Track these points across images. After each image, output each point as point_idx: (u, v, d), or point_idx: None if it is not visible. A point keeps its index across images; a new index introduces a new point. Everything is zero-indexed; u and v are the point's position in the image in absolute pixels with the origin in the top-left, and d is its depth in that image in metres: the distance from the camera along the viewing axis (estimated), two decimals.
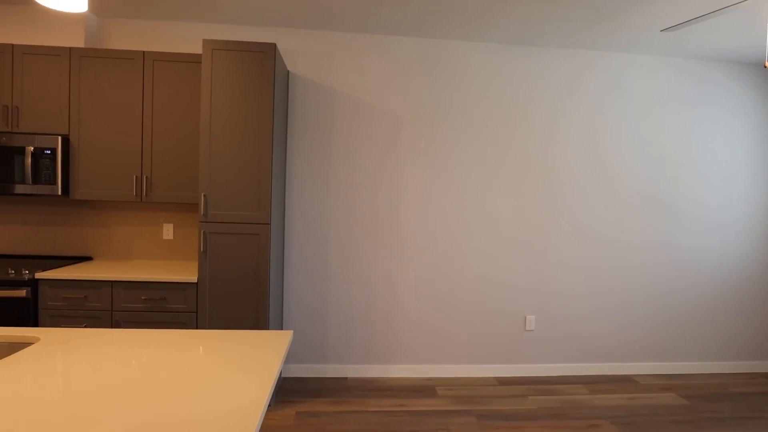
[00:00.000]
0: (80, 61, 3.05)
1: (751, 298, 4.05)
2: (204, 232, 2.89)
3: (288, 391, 3.38)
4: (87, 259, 3.40)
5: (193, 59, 3.12)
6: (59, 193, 3.00)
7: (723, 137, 3.95)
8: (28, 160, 2.96)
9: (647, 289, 3.94)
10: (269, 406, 3.12)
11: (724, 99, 3.94)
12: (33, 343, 1.63)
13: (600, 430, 2.97)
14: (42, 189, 3.00)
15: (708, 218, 3.97)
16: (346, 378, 3.65)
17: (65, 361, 1.44)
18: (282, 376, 3.60)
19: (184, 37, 3.46)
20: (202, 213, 2.89)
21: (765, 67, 1.99)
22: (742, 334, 4.06)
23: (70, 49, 3.04)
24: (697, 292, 3.99)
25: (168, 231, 3.47)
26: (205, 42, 2.85)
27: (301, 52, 3.55)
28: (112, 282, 2.85)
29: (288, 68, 3.53)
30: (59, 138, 3.00)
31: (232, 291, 2.92)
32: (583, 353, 3.89)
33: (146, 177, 3.12)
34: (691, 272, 3.97)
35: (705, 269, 3.99)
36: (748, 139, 3.98)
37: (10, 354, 1.61)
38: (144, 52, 3.09)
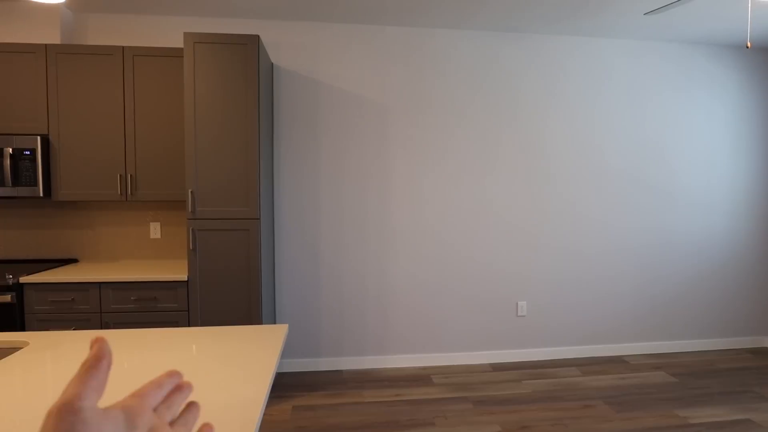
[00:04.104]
0: (57, 58, 2.97)
1: (734, 276, 4.14)
2: (192, 230, 2.85)
3: (283, 386, 3.37)
4: (72, 261, 3.34)
5: (175, 53, 3.05)
6: (41, 194, 2.93)
7: (705, 119, 4.00)
8: (7, 162, 2.88)
9: (635, 272, 3.99)
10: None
11: (705, 81, 3.98)
12: (22, 348, 1.59)
13: (594, 410, 3.02)
14: (23, 191, 2.92)
15: (692, 200, 4.03)
16: (341, 371, 3.65)
17: (55, 364, 1.41)
18: (276, 371, 3.59)
19: (165, 31, 3.39)
20: (189, 210, 2.84)
21: (747, 47, 2.00)
22: (727, 312, 4.15)
23: (45, 45, 2.95)
24: (684, 273, 4.06)
25: (155, 230, 3.42)
26: (187, 35, 2.79)
27: (284, 44, 3.50)
28: (99, 283, 2.80)
29: (272, 60, 3.48)
30: (38, 138, 2.92)
31: (224, 288, 2.89)
32: (574, 336, 3.94)
33: (130, 175, 3.06)
34: (677, 253, 4.04)
35: (690, 250, 4.05)
36: (729, 119, 4.04)
37: None
38: (123, 47, 3.01)
